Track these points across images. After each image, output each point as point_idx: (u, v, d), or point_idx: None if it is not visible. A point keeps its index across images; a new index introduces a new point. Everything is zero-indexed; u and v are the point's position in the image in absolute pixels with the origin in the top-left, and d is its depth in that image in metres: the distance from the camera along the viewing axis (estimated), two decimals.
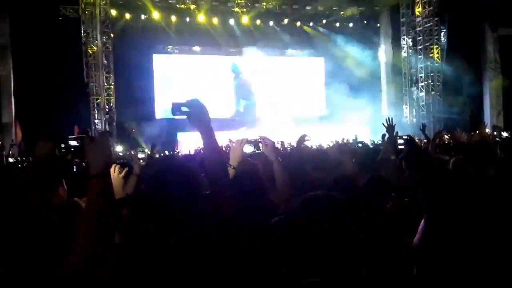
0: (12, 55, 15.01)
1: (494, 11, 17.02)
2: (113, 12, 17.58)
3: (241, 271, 1.82)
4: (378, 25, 21.22)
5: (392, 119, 4.73)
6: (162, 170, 2.07)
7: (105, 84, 17.32)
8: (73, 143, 1.99)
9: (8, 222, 1.89)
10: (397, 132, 4.46)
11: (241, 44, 20.06)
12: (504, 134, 9.80)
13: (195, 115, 2.05)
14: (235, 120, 19.31)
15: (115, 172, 2.98)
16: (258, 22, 19.45)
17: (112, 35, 17.30)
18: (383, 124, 4.72)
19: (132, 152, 10.79)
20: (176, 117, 2.10)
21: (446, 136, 8.40)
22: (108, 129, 16.97)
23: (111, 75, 17.46)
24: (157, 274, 1.68)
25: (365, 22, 20.50)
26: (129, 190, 3.36)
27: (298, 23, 20.22)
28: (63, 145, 2.01)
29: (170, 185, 1.93)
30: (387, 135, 4.65)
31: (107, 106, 17.38)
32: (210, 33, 18.89)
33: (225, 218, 2.05)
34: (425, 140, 6.70)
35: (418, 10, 19.75)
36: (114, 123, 17.34)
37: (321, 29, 20.75)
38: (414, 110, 20.49)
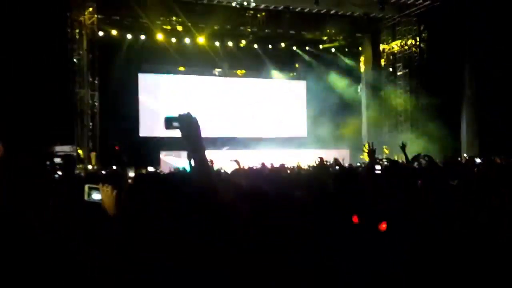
0: None
1: (474, 43, 17.30)
2: (100, 31, 17.74)
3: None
4: (360, 48, 21.74)
5: (372, 143, 4.91)
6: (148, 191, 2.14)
7: (90, 101, 17.40)
8: (58, 160, 2.14)
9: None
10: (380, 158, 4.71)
11: (226, 65, 20.42)
12: (478, 160, 10.16)
13: (186, 130, 2.02)
14: (217, 140, 19.44)
15: (108, 190, 2.86)
16: (242, 44, 19.81)
17: (98, 53, 17.44)
18: (363, 150, 4.96)
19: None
20: (169, 131, 2.03)
21: (423, 161, 8.65)
22: (90, 146, 16.98)
23: (96, 93, 17.56)
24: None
25: (346, 50, 21.09)
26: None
27: (282, 45, 20.56)
28: (48, 162, 2.16)
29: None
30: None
31: (91, 123, 17.41)
32: (196, 54, 19.14)
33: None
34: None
35: (398, 37, 20.39)
36: (97, 140, 17.35)
37: (303, 53, 21.17)
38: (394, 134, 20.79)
